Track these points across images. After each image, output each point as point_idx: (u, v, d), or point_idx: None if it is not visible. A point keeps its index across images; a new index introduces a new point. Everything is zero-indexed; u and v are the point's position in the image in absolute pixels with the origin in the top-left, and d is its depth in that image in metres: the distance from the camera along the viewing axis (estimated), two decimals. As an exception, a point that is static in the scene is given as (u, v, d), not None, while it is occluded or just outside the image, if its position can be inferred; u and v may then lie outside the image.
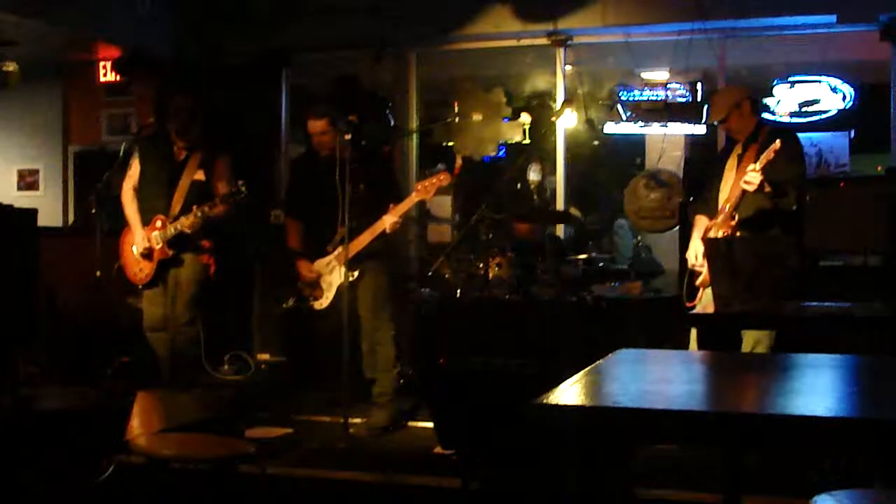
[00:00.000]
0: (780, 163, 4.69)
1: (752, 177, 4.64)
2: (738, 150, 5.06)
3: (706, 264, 4.75)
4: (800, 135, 5.27)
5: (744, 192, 4.77)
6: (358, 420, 5.34)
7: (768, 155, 4.60)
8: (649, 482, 4.08)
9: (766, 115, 7.57)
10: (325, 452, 4.90)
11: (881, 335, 3.80)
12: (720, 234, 4.89)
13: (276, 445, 4.93)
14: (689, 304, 5.03)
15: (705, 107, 7.29)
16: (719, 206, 5.00)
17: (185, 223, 5.37)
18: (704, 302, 4.86)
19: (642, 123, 7.46)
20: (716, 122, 5.30)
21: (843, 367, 2.65)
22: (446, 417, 4.25)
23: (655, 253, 8.07)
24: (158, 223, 5.48)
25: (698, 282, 5.01)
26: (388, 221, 5.30)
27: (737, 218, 4.88)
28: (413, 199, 5.41)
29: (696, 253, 5.03)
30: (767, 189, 4.70)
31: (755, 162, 4.67)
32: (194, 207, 5.36)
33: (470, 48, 7.94)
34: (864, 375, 2.60)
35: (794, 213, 4.82)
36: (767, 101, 7.84)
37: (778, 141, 4.62)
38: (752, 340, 4.72)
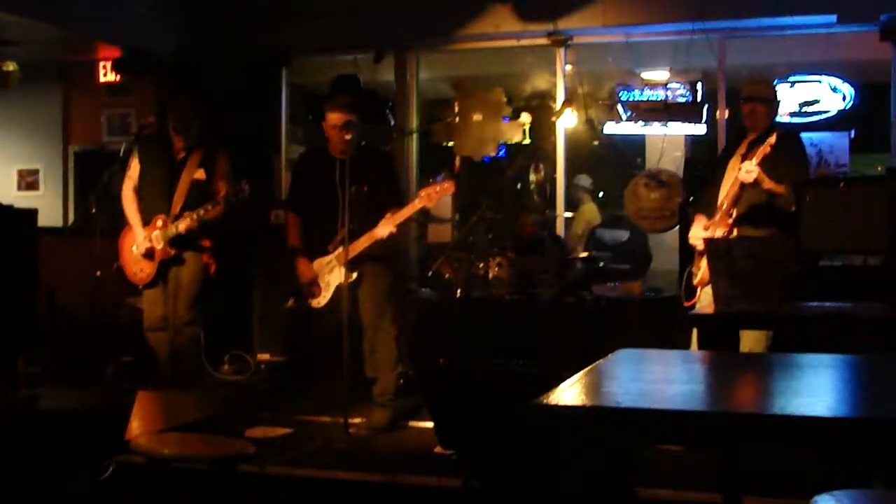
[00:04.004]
0: (783, 163, 4.70)
1: (748, 166, 4.65)
2: (741, 150, 5.04)
3: (706, 264, 4.76)
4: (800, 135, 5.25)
5: (741, 189, 4.77)
6: (358, 420, 5.34)
7: (765, 149, 4.62)
8: (649, 482, 4.08)
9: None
10: (325, 452, 4.90)
11: (881, 335, 3.80)
12: (718, 233, 4.89)
13: (276, 445, 4.93)
14: (686, 304, 5.04)
15: (706, 106, 7.30)
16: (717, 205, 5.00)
17: (182, 226, 5.39)
18: (703, 301, 4.87)
19: (642, 123, 7.46)
20: (752, 97, 5.08)
21: (843, 367, 2.65)
22: (446, 417, 4.25)
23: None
24: (159, 223, 5.48)
25: (696, 281, 5.02)
26: (383, 231, 5.23)
27: (734, 215, 4.88)
28: (416, 205, 5.32)
29: (697, 237, 5.02)
30: (767, 185, 4.70)
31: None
32: (188, 213, 5.37)
33: (470, 48, 7.94)
34: (864, 375, 2.60)
35: (792, 213, 4.81)
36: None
37: (774, 136, 4.63)
38: (751, 340, 4.71)
